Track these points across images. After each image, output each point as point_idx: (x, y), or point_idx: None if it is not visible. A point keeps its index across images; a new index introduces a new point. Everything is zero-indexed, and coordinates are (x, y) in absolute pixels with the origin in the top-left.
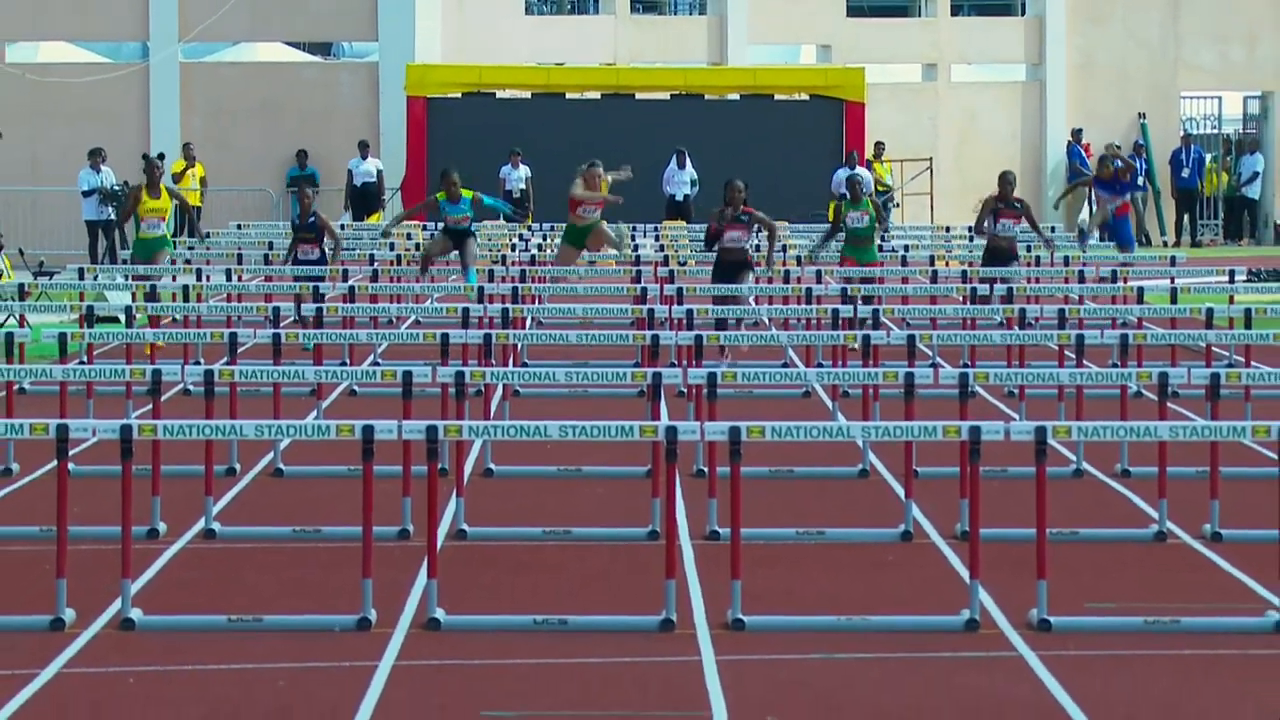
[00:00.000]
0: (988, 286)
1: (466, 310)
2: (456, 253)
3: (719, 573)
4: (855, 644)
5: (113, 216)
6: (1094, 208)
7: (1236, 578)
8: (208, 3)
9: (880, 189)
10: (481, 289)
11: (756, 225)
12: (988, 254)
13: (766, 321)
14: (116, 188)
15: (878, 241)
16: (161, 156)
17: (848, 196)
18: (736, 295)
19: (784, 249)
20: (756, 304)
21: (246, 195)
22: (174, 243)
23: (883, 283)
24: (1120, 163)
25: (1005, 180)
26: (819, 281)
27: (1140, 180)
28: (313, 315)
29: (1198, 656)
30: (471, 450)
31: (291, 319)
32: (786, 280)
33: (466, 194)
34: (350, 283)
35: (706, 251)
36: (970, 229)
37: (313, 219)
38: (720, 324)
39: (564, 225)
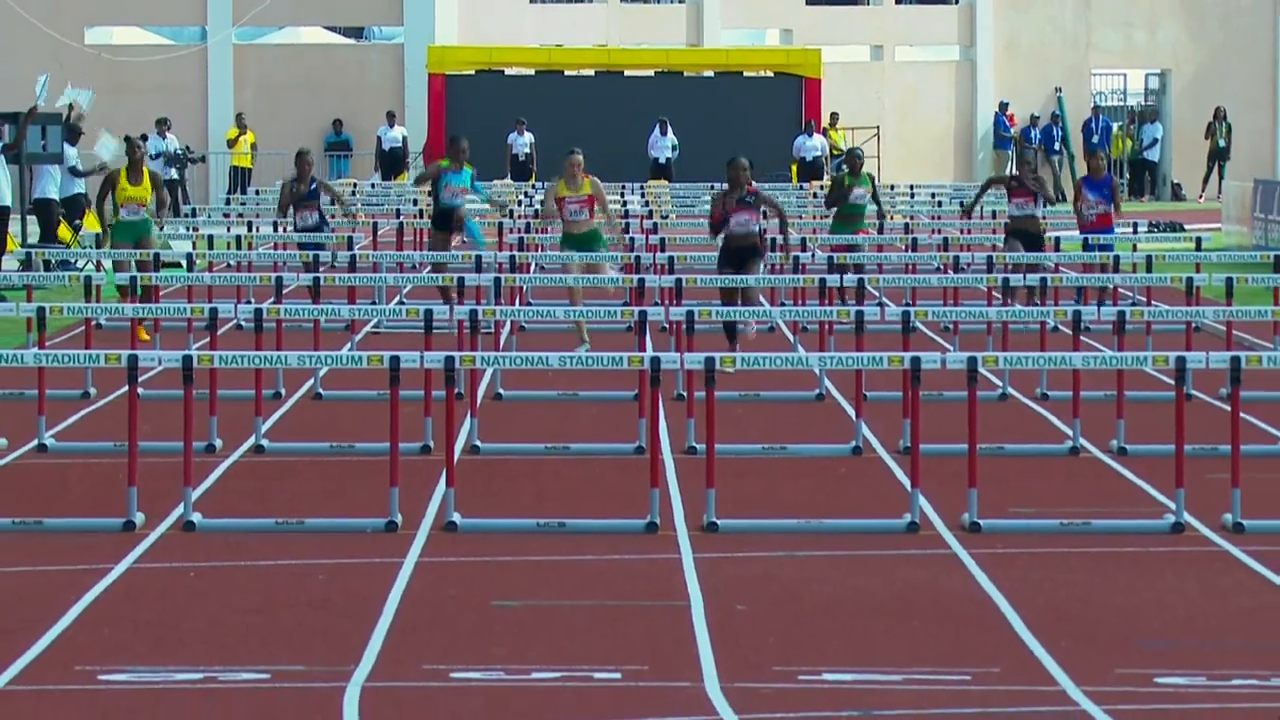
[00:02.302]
0: (1019, 276)
1: (479, 258)
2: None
3: (696, 482)
4: (812, 543)
5: (175, 176)
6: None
7: (1139, 486)
8: None
9: (834, 153)
10: (501, 224)
11: (765, 209)
12: (1014, 236)
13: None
14: (179, 151)
15: (878, 224)
16: (144, 138)
17: (847, 170)
18: (746, 288)
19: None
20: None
21: (291, 158)
22: (158, 225)
23: (912, 270)
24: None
25: (1024, 160)
26: (780, 232)
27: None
28: (348, 262)
29: (1106, 553)
30: (484, 377)
31: (329, 264)
32: (797, 268)
33: (469, 168)
34: (380, 234)
35: (711, 238)
36: (912, 187)
37: (314, 185)
38: (728, 328)
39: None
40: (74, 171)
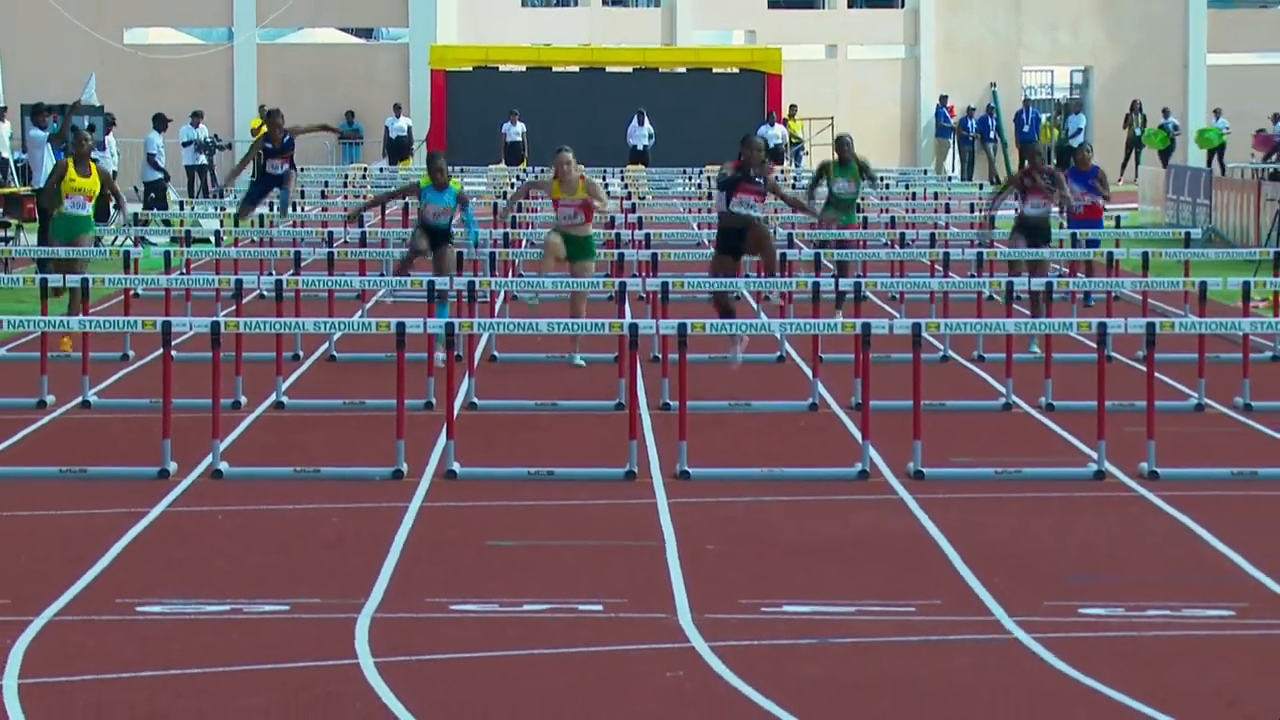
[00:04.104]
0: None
1: (477, 234)
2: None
3: (670, 435)
4: (774, 489)
5: (204, 161)
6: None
7: (1065, 438)
8: None
9: (793, 140)
10: (496, 205)
11: (772, 197)
12: (1020, 230)
13: (705, 241)
14: (208, 139)
15: (865, 201)
16: (92, 129)
17: (835, 160)
18: (768, 260)
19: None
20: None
21: (308, 145)
22: (97, 227)
23: (863, 246)
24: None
25: (1034, 151)
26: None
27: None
28: (359, 239)
29: (1035, 498)
30: (480, 341)
31: (342, 240)
32: (790, 243)
33: (454, 185)
34: (388, 213)
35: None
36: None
37: (287, 139)
38: (725, 312)
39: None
40: (151, 160)
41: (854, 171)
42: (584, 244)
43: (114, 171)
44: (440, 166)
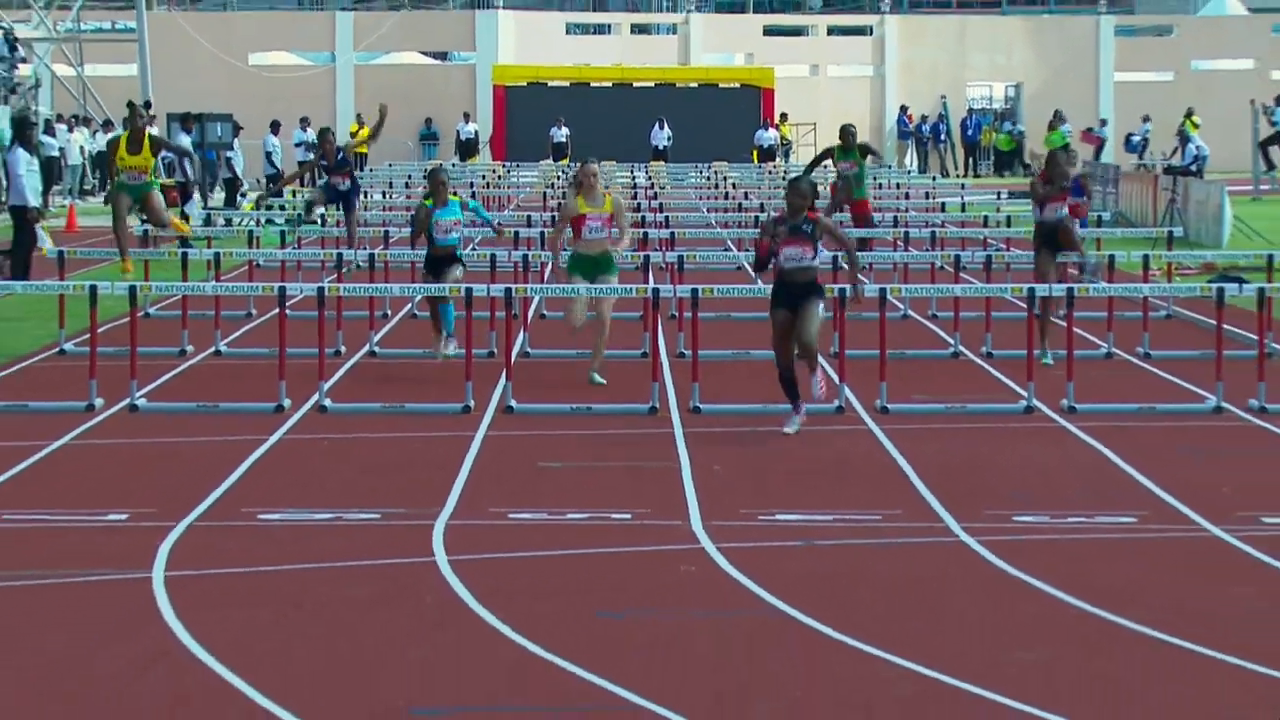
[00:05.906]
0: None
1: (530, 216)
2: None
3: (685, 377)
4: (770, 421)
5: (311, 158)
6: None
7: (1001, 380)
8: (371, 26)
9: (784, 141)
10: (545, 192)
11: (825, 238)
12: (1040, 237)
13: (714, 222)
14: (314, 140)
15: (868, 182)
16: (148, 105)
17: (839, 145)
18: (804, 339)
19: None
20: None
21: (394, 145)
22: (160, 184)
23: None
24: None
25: (1056, 160)
26: (848, 264)
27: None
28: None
29: (977, 428)
30: (533, 303)
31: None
32: (854, 295)
33: (454, 198)
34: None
35: (756, 274)
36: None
37: (341, 155)
38: (786, 385)
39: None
40: (269, 158)
41: (854, 155)
42: (606, 263)
43: (240, 166)
44: (442, 181)
